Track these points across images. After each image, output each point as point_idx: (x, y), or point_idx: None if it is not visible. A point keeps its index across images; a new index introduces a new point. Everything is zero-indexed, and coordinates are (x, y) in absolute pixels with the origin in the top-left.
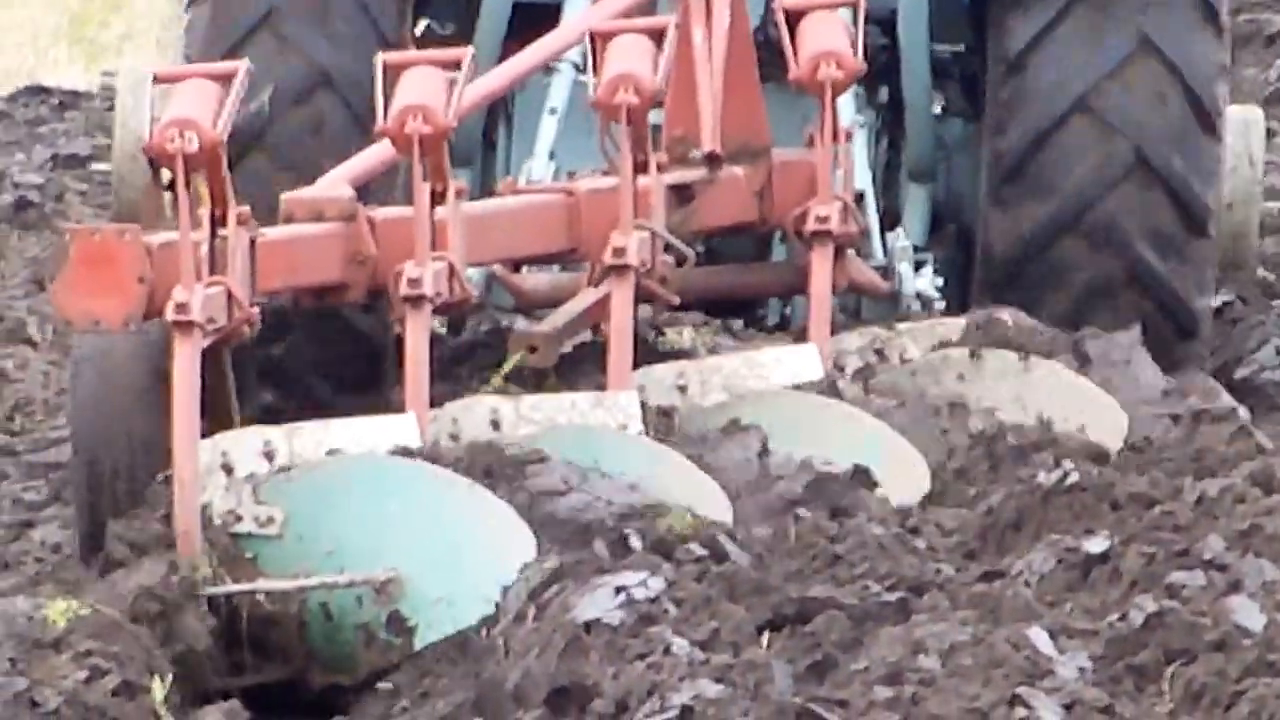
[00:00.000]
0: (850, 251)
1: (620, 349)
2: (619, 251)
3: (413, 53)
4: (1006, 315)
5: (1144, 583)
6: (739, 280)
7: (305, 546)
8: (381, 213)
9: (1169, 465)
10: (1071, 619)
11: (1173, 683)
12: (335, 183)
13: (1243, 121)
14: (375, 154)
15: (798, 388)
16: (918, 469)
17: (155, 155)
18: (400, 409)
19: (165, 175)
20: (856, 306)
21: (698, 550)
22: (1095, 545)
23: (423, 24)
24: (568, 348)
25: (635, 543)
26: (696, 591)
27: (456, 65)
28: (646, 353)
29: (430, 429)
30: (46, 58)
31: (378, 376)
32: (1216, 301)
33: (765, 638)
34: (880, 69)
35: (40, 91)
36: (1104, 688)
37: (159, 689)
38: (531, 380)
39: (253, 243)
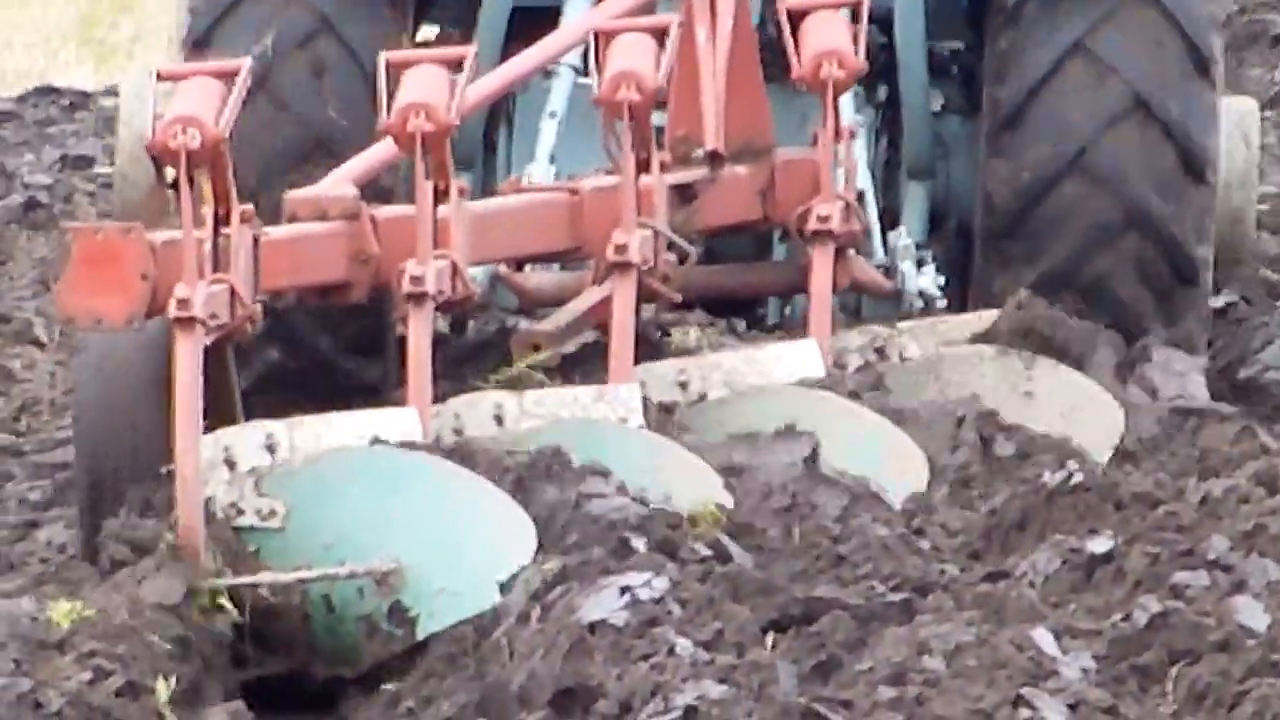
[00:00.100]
0: (852, 251)
1: (621, 345)
2: (621, 249)
3: (415, 51)
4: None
5: (1148, 583)
6: (741, 279)
7: (307, 539)
8: (384, 211)
9: (1173, 465)
10: (1075, 619)
11: (1177, 683)
12: (339, 182)
13: (1239, 110)
14: (378, 153)
15: (799, 383)
16: (917, 464)
17: (158, 152)
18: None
19: (170, 174)
20: (857, 305)
21: (702, 550)
22: (1099, 545)
23: (434, 30)
24: (571, 348)
25: (639, 543)
26: (701, 592)
27: (459, 64)
28: (651, 353)
29: (433, 424)
30: (56, 59)
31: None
32: (1219, 302)
33: (770, 638)
34: (879, 68)
35: (50, 92)
36: (1108, 688)
37: (163, 690)
38: (536, 379)
39: (256, 241)
